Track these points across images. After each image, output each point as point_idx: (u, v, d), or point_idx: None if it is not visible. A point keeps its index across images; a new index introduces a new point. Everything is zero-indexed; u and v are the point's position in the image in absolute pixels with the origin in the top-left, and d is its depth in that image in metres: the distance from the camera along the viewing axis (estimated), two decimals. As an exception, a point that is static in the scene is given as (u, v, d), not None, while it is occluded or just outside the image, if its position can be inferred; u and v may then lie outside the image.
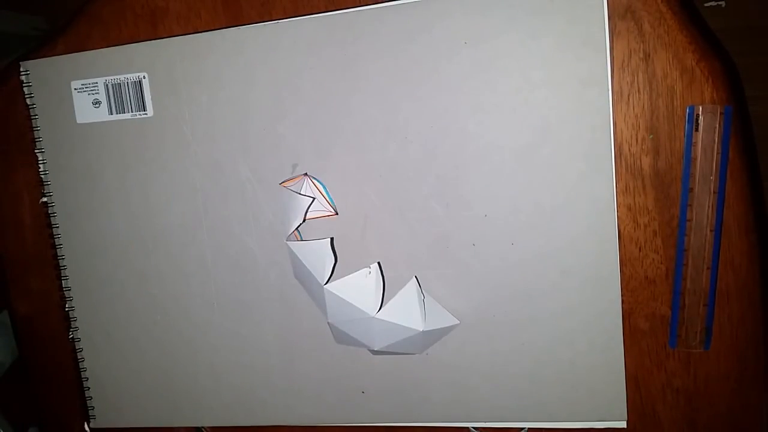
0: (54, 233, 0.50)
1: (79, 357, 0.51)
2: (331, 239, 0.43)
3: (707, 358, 0.42)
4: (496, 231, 0.42)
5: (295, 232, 0.44)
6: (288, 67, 0.44)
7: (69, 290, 0.50)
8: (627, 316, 0.42)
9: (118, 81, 0.47)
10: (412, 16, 0.42)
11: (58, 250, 0.50)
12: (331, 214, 0.44)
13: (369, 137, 0.44)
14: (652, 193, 0.41)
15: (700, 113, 0.39)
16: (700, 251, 0.40)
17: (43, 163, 0.49)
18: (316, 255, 0.42)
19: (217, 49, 0.45)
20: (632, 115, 0.40)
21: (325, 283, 0.42)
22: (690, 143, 0.40)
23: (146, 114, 0.47)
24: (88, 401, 0.51)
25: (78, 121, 0.48)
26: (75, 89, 0.48)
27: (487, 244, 0.43)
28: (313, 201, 0.43)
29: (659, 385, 0.43)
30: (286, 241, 0.43)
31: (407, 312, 0.42)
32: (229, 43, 0.45)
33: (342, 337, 0.44)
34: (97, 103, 0.47)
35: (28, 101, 0.49)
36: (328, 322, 0.43)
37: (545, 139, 0.41)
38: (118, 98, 0.47)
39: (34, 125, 0.49)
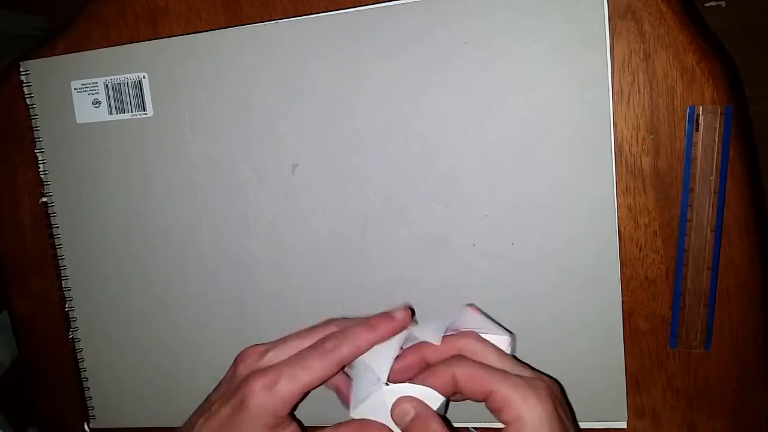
0: (54, 233, 0.50)
1: (79, 357, 0.51)
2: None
3: (707, 359, 0.42)
4: (496, 231, 0.42)
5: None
6: (288, 67, 0.44)
7: (69, 290, 0.50)
8: (627, 316, 0.42)
9: (118, 81, 0.47)
10: (412, 16, 0.42)
11: (58, 250, 0.50)
12: None
13: (369, 137, 0.44)
14: (653, 193, 0.41)
15: (700, 113, 0.39)
16: (701, 251, 0.40)
17: (43, 163, 0.49)
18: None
19: (217, 49, 0.45)
20: (632, 115, 0.40)
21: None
22: (690, 143, 0.40)
23: (146, 114, 0.47)
24: (88, 401, 0.51)
25: (78, 121, 0.48)
26: (75, 89, 0.48)
27: (487, 244, 0.43)
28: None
29: (659, 386, 0.43)
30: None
31: None
32: (229, 43, 0.45)
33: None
34: (97, 103, 0.47)
35: (28, 101, 0.49)
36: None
37: (545, 139, 0.41)
38: (118, 98, 0.47)
39: (34, 125, 0.49)
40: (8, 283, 0.52)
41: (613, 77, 0.40)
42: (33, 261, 0.51)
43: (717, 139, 0.39)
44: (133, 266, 0.48)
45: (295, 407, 0.35)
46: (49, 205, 0.49)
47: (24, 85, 0.48)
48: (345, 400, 0.37)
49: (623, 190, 0.41)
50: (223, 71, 0.45)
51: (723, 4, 0.58)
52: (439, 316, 0.37)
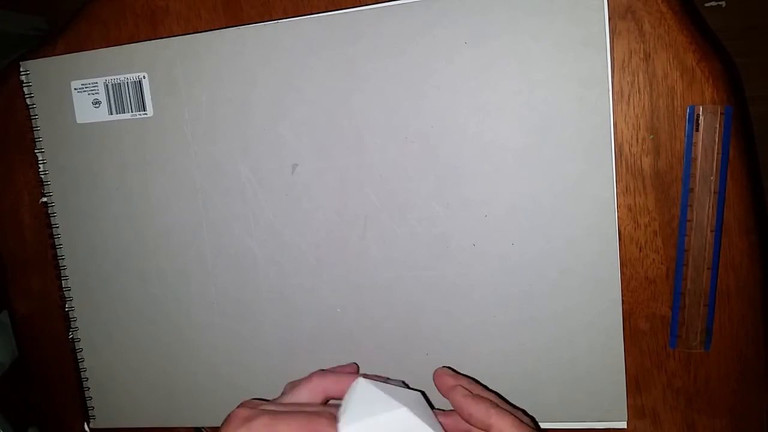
0: (54, 233, 0.50)
1: (79, 357, 0.51)
2: None
3: (707, 359, 0.42)
4: (496, 231, 0.42)
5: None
6: (288, 67, 0.44)
7: (69, 290, 0.50)
8: (627, 316, 0.42)
9: (118, 81, 0.47)
10: (412, 16, 0.42)
11: (58, 250, 0.50)
12: None
13: (369, 137, 0.44)
14: (653, 193, 0.41)
15: (700, 113, 0.39)
16: (701, 251, 0.40)
17: (43, 163, 0.49)
18: None
19: (217, 49, 0.45)
20: (632, 115, 0.40)
21: None
22: (690, 143, 0.40)
23: (146, 114, 0.47)
24: (88, 401, 0.51)
25: (78, 121, 0.48)
26: (75, 89, 0.48)
27: (487, 244, 0.43)
28: None
29: (659, 386, 0.43)
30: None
31: None
32: (229, 43, 0.45)
33: None
34: (97, 103, 0.47)
35: (28, 101, 0.49)
36: None
37: (545, 139, 0.41)
38: (118, 98, 0.47)
39: (34, 125, 0.49)
40: (8, 283, 0.52)
41: (613, 77, 0.40)
42: (33, 261, 0.51)
43: (717, 139, 0.39)
44: (133, 266, 0.48)
45: None
46: (49, 205, 0.49)
47: (24, 85, 0.48)
48: None
49: (623, 190, 0.41)
50: (223, 71, 0.45)
51: (723, 4, 0.58)
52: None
